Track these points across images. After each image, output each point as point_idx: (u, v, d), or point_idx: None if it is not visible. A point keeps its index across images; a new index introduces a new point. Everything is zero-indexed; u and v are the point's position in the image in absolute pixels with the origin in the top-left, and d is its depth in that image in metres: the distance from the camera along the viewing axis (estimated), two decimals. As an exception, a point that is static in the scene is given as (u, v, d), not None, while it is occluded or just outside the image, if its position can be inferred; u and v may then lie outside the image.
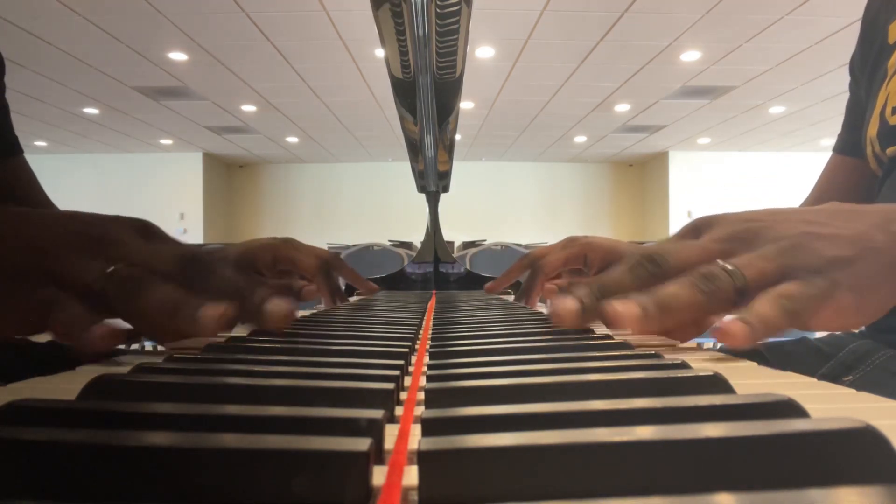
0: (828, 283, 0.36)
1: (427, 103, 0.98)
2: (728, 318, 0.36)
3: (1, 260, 0.36)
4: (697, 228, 0.43)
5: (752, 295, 0.37)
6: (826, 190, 0.80)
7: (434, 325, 0.48)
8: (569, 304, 0.39)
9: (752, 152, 9.34)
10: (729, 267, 0.37)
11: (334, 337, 0.38)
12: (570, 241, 0.69)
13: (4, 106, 0.71)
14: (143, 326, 0.39)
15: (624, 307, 0.37)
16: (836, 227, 0.39)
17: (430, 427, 0.17)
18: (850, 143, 0.72)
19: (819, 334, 0.74)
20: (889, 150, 0.62)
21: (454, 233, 8.27)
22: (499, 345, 0.33)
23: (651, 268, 0.40)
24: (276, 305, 0.38)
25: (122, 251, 0.39)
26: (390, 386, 0.21)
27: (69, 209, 0.42)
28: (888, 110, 0.62)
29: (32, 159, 0.73)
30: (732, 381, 0.22)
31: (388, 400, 0.21)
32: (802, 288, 0.36)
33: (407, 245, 5.90)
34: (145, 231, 0.42)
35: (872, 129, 0.64)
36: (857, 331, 0.68)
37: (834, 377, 0.56)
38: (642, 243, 0.44)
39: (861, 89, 0.72)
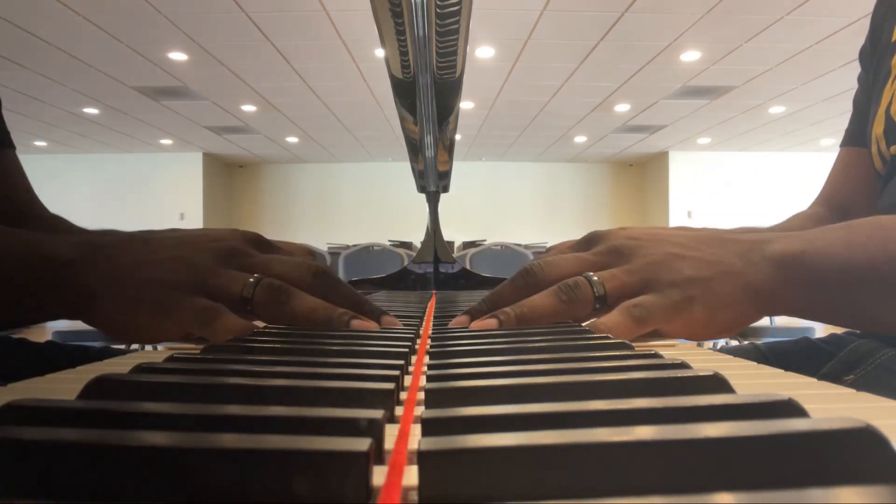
0: (681, 296, 0.42)
1: (427, 103, 0.98)
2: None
3: (165, 275, 0.41)
4: (589, 241, 0.49)
5: (614, 303, 0.42)
6: (842, 183, 0.78)
7: (434, 325, 0.48)
8: (459, 318, 0.45)
9: (752, 152, 9.33)
10: (594, 278, 0.43)
11: (334, 337, 0.38)
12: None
13: None
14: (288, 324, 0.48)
15: (482, 323, 0.42)
16: (701, 251, 0.44)
17: (430, 427, 0.17)
18: (861, 134, 0.72)
19: (819, 334, 0.74)
20: (893, 148, 0.62)
21: (454, 233, 8.27)
22: (499, 345, 0.33)
23: (527, 279, 0.46)
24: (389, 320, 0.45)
25: (250, 262, 0.45)
26: (390, 386, 0.21)
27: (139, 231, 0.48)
28: (893, 108, 0.63)
29: (32, 159, 0.73)
30: (732, 381, 0.22)
31: (388, 400, 0.21)
32: (655, 299, 0.42)
33: (407, 245, 5.91)
34: (259, 243, 0.49)
35: (878, 127, 0.64)
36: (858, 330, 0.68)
37: (835, 376, 0.56)
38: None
39: (870, 80, 0.73)
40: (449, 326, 0.44)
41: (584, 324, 0.44)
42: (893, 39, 0.67)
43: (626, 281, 0.43)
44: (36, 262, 0.42)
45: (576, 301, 0.43)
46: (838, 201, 0.77)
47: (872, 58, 0.72)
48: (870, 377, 0.53)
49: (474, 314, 0.44)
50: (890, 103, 0.63)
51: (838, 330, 0.72)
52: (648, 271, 0.43)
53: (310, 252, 0.72)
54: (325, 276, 0.45)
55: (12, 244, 0.44)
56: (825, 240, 0.44)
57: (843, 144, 0.77)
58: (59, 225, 0.74)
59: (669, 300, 0.42)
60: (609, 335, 0.38)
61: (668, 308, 0.41)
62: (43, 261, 0.42)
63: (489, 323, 0.42)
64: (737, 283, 0.43)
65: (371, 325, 0.42)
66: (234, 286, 0.42)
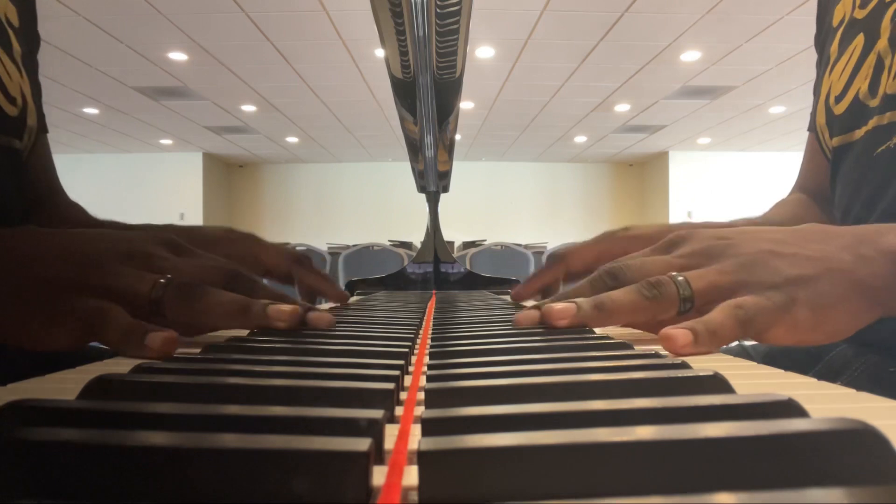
0: (783, 299, 0.37)
1: (427, 103, 0.98)
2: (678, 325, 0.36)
3: (55, 274, 0.37)
4: (672, 244, 0.44)
5: (701, 306, 0.38)
6: (814, 168, 0.75)
7: (434, 325, 0.48)
8: (528, 312, 0.42)
9: (752, 152, 9.33)
10: (679, 277, 0.39)
11: (334, 337, 0.38)
12: (606, 236, 0.62)
13: (38, 85, 0.72)
14: (203, 325, 0.43)
15: (560, 305, 0.39)
16: (801, 246, 0.40)
17: (430, 427, 0.17)
18: None
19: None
20: (834, 140, 0.60)
21: (454, 233, 8.26)
22: (499, 345, 0.33)
23: (609, 282, 0.42)
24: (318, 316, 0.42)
25: (160, 265, 0.41)
26: (390, 386, 0.21)
27: (102, 220, 0.44)
28: (832, 99, 0.61)
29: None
30: (732, 381, 0.22)
31: (388, 400, 0.21)
32: (758, 300, 0.37)
33: (407, 245, 5.91)
34: (174, 246, 0.44)
35: (821, 118, 0.63)
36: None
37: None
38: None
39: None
40: (517, 321, 0.42)
41: (660, 332, 0.38)
42: (834, 24, 0.64)
43: (717, 281, 0.39)
44: None
45: (659, 299, 0.39)
46: (812, 185, 0.75)
47: (818, 44, 0.71)
48: (856, 385, 0.53)
49: (542, 310, 0.42)
50: (829, 94, 0.61)
51: None
52: (743, 271, 0.39)
53: (300, 255, 0.71)
54: (241, 277, 0.42)
55: None
56: None
57: (810, 129, 0.75)
58: (72, 215, 0.76)
59: (771, 302, 0.37)
60: (610, 337, 0.37)
61: (770, 311, 0.37)
62: None
63: (567, 307, 0.39)
64: (847, 280, 0.38)
65: (288, 308, 0.39)
66: (141, 286, 0.38)
